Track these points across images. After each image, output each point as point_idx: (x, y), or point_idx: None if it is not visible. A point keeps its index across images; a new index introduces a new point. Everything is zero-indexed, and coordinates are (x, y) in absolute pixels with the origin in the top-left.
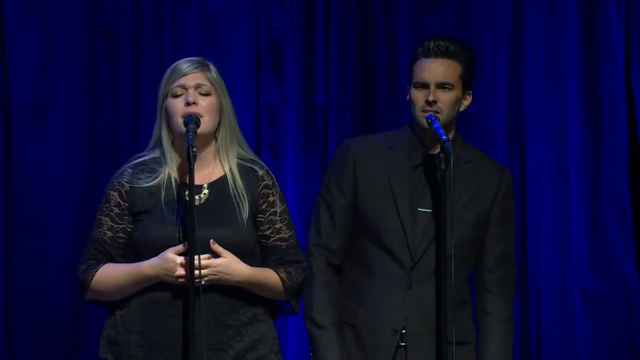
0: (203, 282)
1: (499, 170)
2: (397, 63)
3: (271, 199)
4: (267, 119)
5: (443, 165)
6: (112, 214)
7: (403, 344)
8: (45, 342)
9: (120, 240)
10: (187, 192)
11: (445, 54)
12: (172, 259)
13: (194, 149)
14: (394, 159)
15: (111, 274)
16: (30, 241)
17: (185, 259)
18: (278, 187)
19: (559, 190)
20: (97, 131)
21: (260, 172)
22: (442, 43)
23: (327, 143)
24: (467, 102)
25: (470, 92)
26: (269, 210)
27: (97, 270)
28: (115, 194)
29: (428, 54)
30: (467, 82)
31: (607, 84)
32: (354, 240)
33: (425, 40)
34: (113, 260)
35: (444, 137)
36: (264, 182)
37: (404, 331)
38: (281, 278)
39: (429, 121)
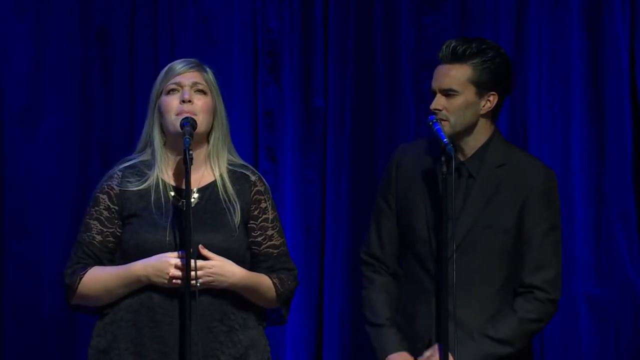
0: (198, 285)
1: (536, 172)
2: (397, 64)
3: (263, 205)
4: (265, 121)
5: (444, 169)
6: (102, 218)
7: None
8: (37, 348)
9: (110, 245)
10: (176, 195)
11: (452, 58)
12: (166, 259)
13: (191, 152)
14: (429, 165)
15: (100, 276)
16: (22, 245)
17: (180, 260)
18: (270, 194)
19: (564, 194)
20: (90, 133)
21: (253, 178)
22: (451, 46)
23: (326, 146)
24: (489, 104)
25: (494, 93)
26: (261, 217)
27: (84, 273)
28: (105, 197)
29: (439, 60)
30: (485, 83)
31: (612, 85)
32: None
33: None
34: (101, 264)
35: (444, 139)
36: (257, 188)
37: (431, 341)
38: (274, 284)
39: (430, 123)
